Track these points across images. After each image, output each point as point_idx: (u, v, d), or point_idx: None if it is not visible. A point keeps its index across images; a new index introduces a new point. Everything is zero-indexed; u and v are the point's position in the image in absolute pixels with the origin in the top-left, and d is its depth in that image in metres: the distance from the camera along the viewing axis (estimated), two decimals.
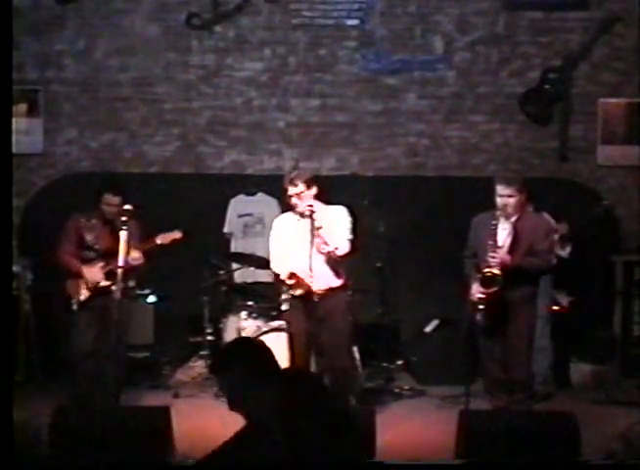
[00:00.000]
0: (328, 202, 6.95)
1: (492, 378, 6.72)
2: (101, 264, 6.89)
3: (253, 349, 3.81)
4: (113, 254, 6.68)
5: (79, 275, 6.94)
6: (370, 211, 8.06)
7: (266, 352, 3.76)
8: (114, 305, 6.61)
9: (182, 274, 8.20)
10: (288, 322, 7.07)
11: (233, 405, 3.73)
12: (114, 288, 6.64)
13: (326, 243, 6.68)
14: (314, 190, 6.81)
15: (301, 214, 6.80)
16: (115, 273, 6.63)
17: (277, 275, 6.99)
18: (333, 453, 3.22)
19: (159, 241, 7.02)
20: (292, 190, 6.78)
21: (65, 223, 7.09)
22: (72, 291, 6.96)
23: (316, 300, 6.67)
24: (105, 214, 6.92)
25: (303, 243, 6.70)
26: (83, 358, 6.91)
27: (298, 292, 6.75)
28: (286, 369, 4.07)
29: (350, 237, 6.86)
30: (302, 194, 6.75)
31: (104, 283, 6.84)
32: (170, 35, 8.86)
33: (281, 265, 6.88)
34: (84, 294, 6.93)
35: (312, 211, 6.69)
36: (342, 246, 6.76)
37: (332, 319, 6.75)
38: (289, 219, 6.98)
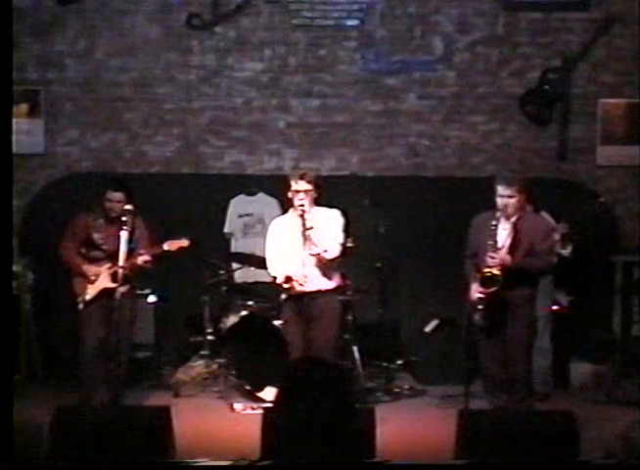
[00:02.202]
0: (323, 204, 6.98)
1: (492, 378, 6.73)
2: (108, 264, 6.91)
3: (259, 324, 4.03)
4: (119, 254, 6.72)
5: (86, 274, 6.97)
6: (370, 211, 8.06)
7: (271, 328, 3.96)
8: (115, 306, 6.63)
9: (182, 274, 8.22)
10: (284, 322, 7.12)
11: (238, 374, 3.92)
12: (120, 289, 6.66)
13: (315, 244, 6.73)
14: (316, 193, 6.85)
15: (300, 215, 6.84)
16: (124, 274, 6.65)
17: (274, 277, 7.02)
18: (334, 443, 3.24)
19: (165, 247, 7.05)
20: (301, 185, 6.79)
21: (71, 222, 7.12)
22: (79, 289, 6.99)
23: (307, 299, 6.74)
24: (107, 212, 6.95)
25: (297, 245, 6.76)
26: (88, 357, 6.94)
27: (293, 292, 6.81)
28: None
29: (341, 241, 6.90)
30: (308, 192, 6.78)
31: (110, 283, 6.85)
32: (171, 36, 8.86)
33: (277, 268, 6.93)
34: (90, 293, 6.96)
35: (304, 211, 6.74)
36: (332, 249, 6.80)
37: (322, 320, 6.80)
38: (285, 221, 7.02)
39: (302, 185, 6.80)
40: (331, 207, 7.01)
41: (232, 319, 7.76)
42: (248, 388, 7.29)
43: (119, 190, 6.94)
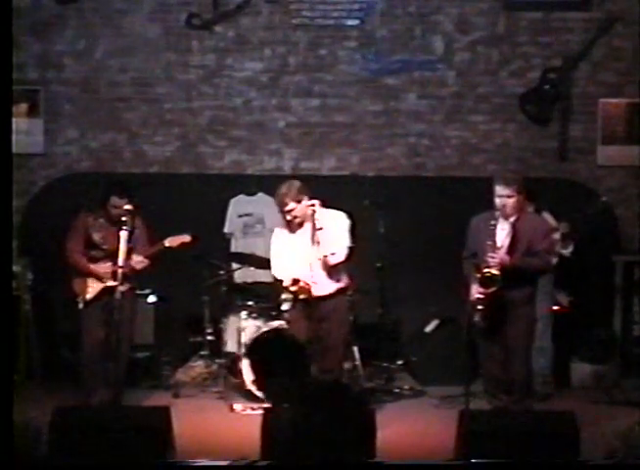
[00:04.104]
0: (327, 205, 6.97)
1: (492, 378, 6.72)
2: (108, 264, 6.90)
3: (288, 342, 4.06)
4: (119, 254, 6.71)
5: (87, 274, 6.96)
6: (370, 211, 8.06)
7: (298, 348, 3.99)
8: (115, 306, 6.62)
9: (182, 274, 8.21)
10: (288, 322, 7.14)
11: (259, 386, 3.98)
12: (120, 288, 6.65)
13: (323, 246, 6.73)
14: (305, 201, 6.82)
15: (299, 225, 6.85)
16: (123, 273, 6.64)
17: (280, 281, 7.00)
18: (338, 452, 3.27)
19: (167, 244, 7.04)
20: (284, 208, 6.82)
21: (72, 221, 7.10)
22: (79, 289, 6.97)
23: (316, 302, 6.74)
24: (112, 217, 6.93)
25: (304, 247, 6.76)
26: (88, 357, 6.94)
27: (302, 296, 6.79)
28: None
29: (348, 244, 6.89)
30: (294, 211, 6.79)
31: (111, 283, 6.84)
32: (171, 35, 8.86)
33: (283, 273, 6.92)
34: (91, 292, 6.95)
35: (314, 211, 6.74)
36: (339, 253, 6.80)
37: (330, 321, 6.80)
38: (285, 230, 7.02)
39: (291, 205, 6.80)
40: (336, 209, 7.01)
41: (232, 320, 7.77)
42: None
43: (125, 196, 6.90)
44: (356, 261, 7.32)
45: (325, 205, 6.94)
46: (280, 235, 7.04)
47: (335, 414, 3.31)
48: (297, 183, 6.90)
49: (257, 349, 7.32)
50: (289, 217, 6.85)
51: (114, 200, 6.90)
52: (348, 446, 3.27)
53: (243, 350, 7.42)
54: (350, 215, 7.04)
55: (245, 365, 7.29)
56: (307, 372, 6.71)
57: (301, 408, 3.40)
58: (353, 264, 7.28)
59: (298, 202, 6.79)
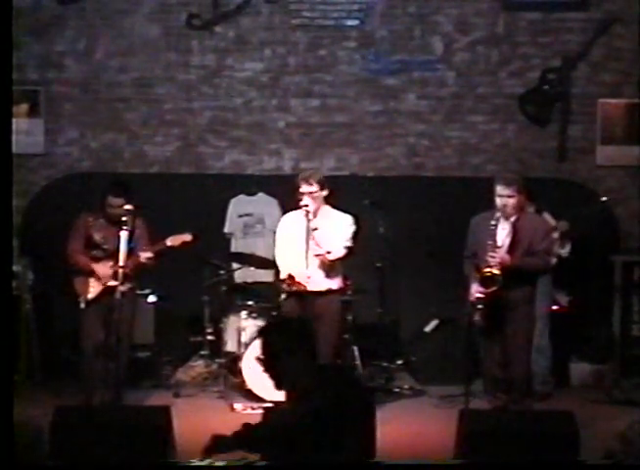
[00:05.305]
0: (337, 207, 7.02)
1: (491, 377, 6.74)
2: (109, 264, 6.91)
3: (300, 327, 4.11)
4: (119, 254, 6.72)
5: (89, 273, 6.97)
6: (370, 211, 8.07)
7: (309, 334, 4.06)
8: (115, 306, 6.63)
9: (182, 274, 8.21)
10: None
11: (267, 369, 4.12)
12: (121, 288, 6.66)
13: (318, 245, 6.78)
14: (326, 192, 6.91)
15: (307, 216, 6.90)
16: (124, 273, 6.65)
17: (278, 273, 7.08)
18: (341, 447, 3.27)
19: (169, 243, 7.05)
20: (305, 188, 6.87)
21: (73, 221, 7.12)
22: (81, 289, 6.99)
23: (310, 298, 6.82)
24: (110, 216, 6.94)
25: (302, 244, 6.81)
26: (89, 356, 6.95)
27: (295, 288, 6.86)
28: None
29: (348, 244, 6.93)
30: (315, 194, 6.84)
31: (112, 282, 6.85)
32: (171, 36, 8.87)
33: (282, 264, 6.99)
34: (93, 292, 6.97)
35: (307, 212, 6.80)
36: (336, 251, 6.84)
37: (322, 320, 6.84)
38: (292, 219, 7.09)
39: (306, 188, 6.88)
40: (345, 212, 7.06)
41: (232, 319, 7.77)
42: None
43: (120, 196, 6.91)
44: (356, 261, 7.34)
45: (335, 206, 7.02)
46: (286, 223, 7.13)
47: (336, 400, 3.31)
48: (322, 174, 7.14)
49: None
50: (305, 201, 6.88)
51: (110, 199, 6.92)
52: (347, 445, 3.27)
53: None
54: (357, 220, 7.08)
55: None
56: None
57: (301, 399, 3.40)
58: (353, 264, 7.30)
59: (321, 188, 6.85)
